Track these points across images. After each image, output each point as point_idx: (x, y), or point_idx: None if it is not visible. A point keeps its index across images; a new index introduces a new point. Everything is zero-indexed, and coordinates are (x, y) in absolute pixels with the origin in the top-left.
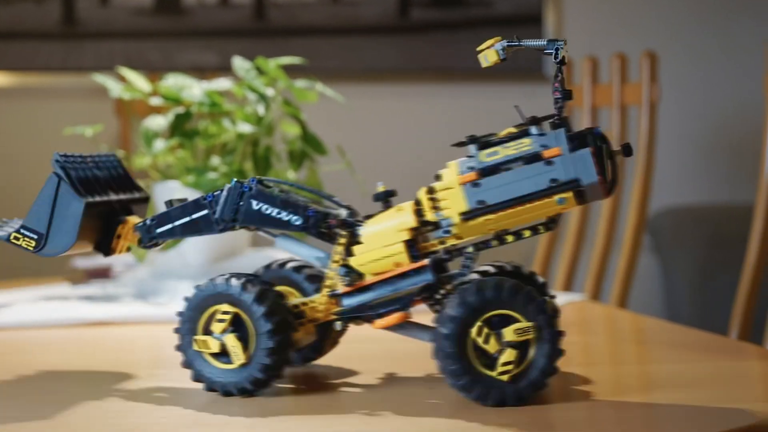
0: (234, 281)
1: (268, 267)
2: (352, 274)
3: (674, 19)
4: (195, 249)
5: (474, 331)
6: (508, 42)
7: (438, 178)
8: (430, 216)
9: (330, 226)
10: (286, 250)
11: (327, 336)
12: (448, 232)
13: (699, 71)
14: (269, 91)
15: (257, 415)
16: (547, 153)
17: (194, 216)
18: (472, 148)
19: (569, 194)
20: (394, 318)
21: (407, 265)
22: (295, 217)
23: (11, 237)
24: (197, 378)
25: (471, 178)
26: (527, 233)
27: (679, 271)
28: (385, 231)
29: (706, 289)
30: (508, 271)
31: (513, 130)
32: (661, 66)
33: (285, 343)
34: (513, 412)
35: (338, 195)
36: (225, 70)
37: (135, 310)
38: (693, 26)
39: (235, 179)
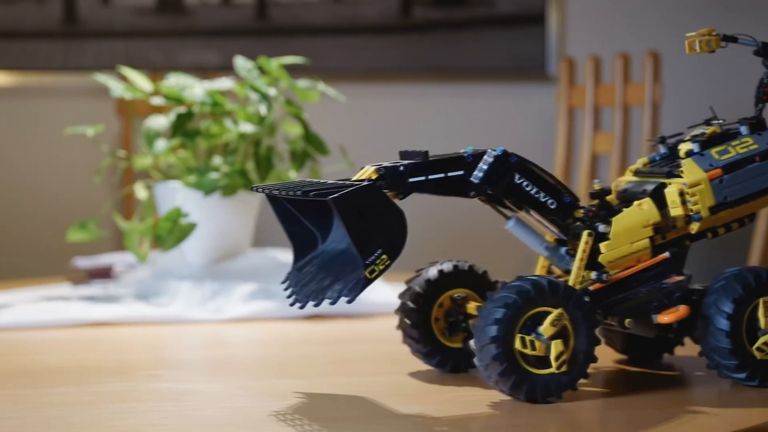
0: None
1: (429, 267)
2: (603, 271)
3: (677, 19)
4: (195, 249)
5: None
6: (723, 36)
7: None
8: (679, 211)
9: (584, 218)
10: (515, 234)
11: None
12: (697, 221)
13: (702, 71)
14: (271, 91)
15: (253, 416)
16: None
17: (450, 174)
18: (661, 148)
19: None
20: (674, 315)
21: (646, 261)
22: (551, 200)
23: (376, 262)
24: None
25: (716, 174)
26: (735, 225)
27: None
28: (633, 227)
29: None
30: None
31: (715, 129)
32: (663, 66)
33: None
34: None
35: None
36: (227, 69)
37: (136, 311)
38: (696, 26)
39: (503, 148)
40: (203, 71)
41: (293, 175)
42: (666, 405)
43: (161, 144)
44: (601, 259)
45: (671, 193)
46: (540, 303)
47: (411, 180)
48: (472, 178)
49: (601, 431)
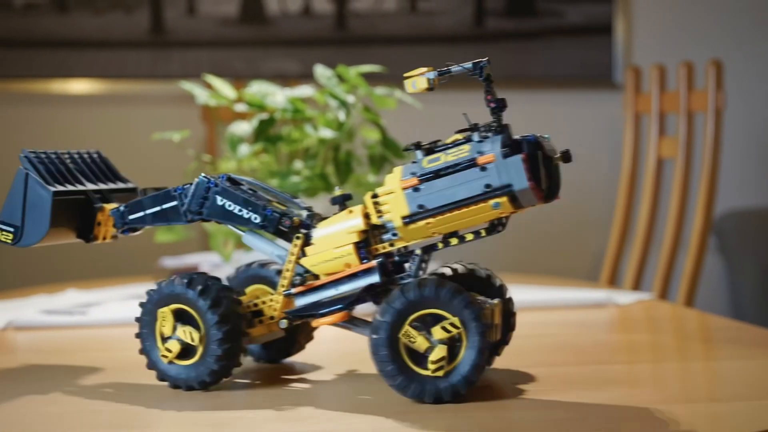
0: (185, 282)
1: (249, 266)
2: (305, 274)
3: (739, 28)
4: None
5: (402, 332)
6: (438, 71)
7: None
8: (375, 219)
9: (286, 226)
10: (251, 246)
11: (300, 331)
12: (395, 234)
13: (763, 78)
14: (350, 98)
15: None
16: (481, 159)
17: (164, 206)
18: (418, 154)
19: (503, 199)
20: (334, 317)
21: (356, 267)
22: (254, 215)
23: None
24: (161, 377)
25: (412, 184)
26: (470, 236)
27: (744, 271)
28: (336, 233)
29: None
30: (460, 273)
31: (458, 137)
32: (726, 74)
33: (235, 338)
34: (579, 411)
35: None
36: (307, 77)
37: None
38: (757, 35)
39: (203, 174)
40: (285, 79)
41: (372, 179)
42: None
43: (244, 149)
44: (303, 262)
45: (367, 200)
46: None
47: (130, 217)
48: (183, 207)
49: None
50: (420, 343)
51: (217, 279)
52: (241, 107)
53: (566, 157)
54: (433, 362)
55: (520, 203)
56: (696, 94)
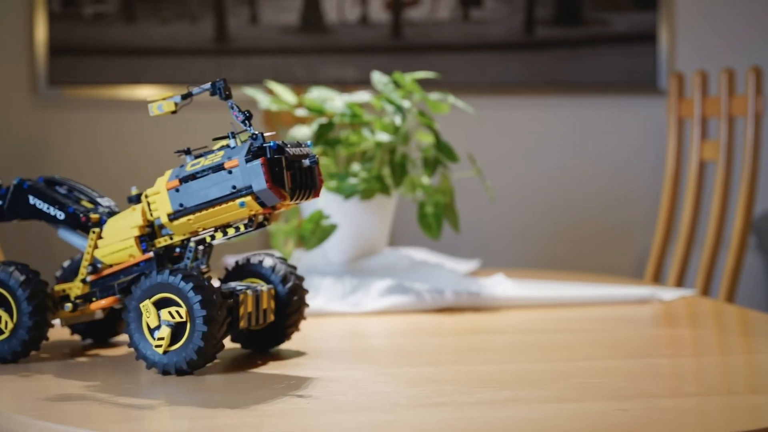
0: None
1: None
2: (97, 264)
3: None
4: (336, 248)
5: (143, 305)
6: (181, 96)
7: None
8: (148, 216)
9: (84, 222)
10: (64, 239)
11: (117, 317)
12: (159, 225)
13: None
14: (405, 103)
15: (390, 401)
16: (227, 164)
17: None
18: (186, 158)
19: (248, 198)
20: (105, 301)
21: (138, 257)
22: (59, 213)
23: None
24: None
25: (173, 185)
26: (231, 231)
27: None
28: (120, 227)
29: None
30: (240, 264)
31: (224, 143)
32: (765, 80)
33: (41, 318)
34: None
35: (469, 199)
36: (364, 83)
37: None
38: None
39: (20, 177)
40: (343, 85)
41: (426, 181)
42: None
43: None
44: (96, 253)
45: (143, 199)
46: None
47: None
48: (3, 206)
49: None
50: (152, 320)
51: (34, 270)
52: (301, 112)
53: (311, 160)
54: (156, 339)
55: (263, 202)
56: (737, 99)
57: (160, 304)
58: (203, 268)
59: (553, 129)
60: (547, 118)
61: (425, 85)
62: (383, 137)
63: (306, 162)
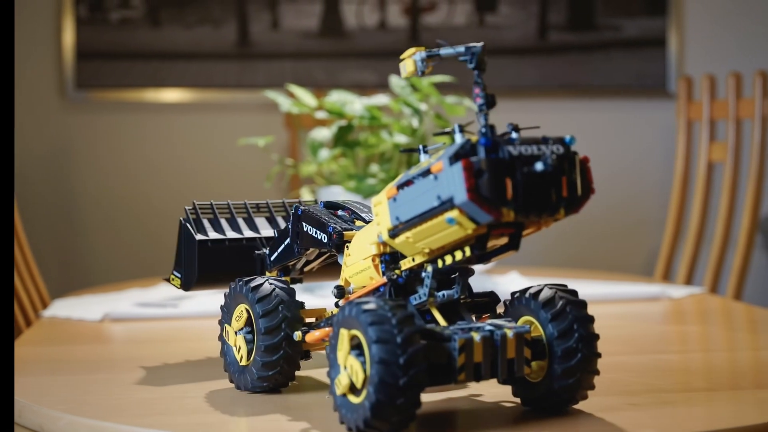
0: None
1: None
2: (341, 288)
3: None
4: None
5: (340, 337)
6: (427, 52)
7: None
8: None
9: (335, 240)
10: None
11: None
12: (382, 243)
13: None
14: (422, 106)
15: None
16: (434, 167)
17: (283, 246)
18: (421, 157)
19: (456, 213)
20: (320, 333)
21: (377, 282)
22: (323, 235)
23: (170, 278)
24: None
25: (392, 194)
26: (458, 255)
27: None
28: (363, 243)
29: None
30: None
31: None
32: None
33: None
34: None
35: None
36: (383, 87)
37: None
38: None
39: (297, 205)
40: (362, 88)
41: None
42: None
43: (324, 153)
44: (344, 273)
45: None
46: None
47: (272, 258)
48: (292, 243)
49: None
50: (342, 356)
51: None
52: (321, 114)
53: (546, 165)
54: (338, 386)
55: (476, 220)
56: (744, 102)
57: (357, 347)
58: (461, 298)
59: (566, 131)
60: (560, 121)
61: (442, 88)
62: (401, 139)
63: (538, 166)
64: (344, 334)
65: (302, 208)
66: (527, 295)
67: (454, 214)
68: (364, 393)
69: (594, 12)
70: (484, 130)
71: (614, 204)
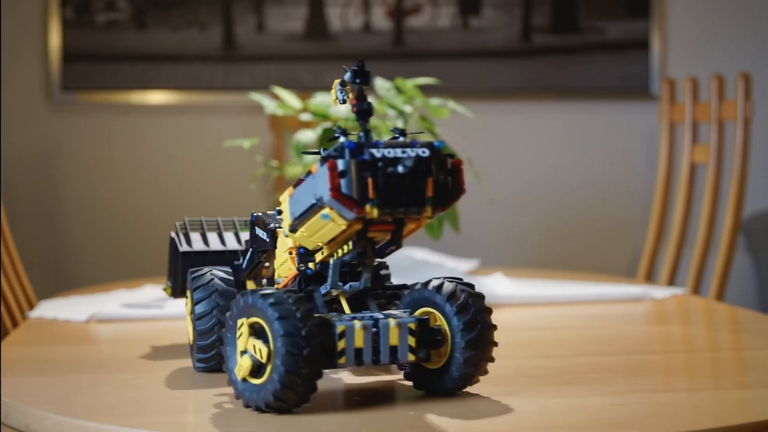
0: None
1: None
2: (270, 279)
3: (766, 43)
4: None
5: (238, 326)
6: (339, 81)
7: None
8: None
9: (271, 237)
10: None
11: None
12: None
13: None
14: (407, 108)
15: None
16: (312, 168)
17: (249, 252)
18: None
19: (328, 210)
20: None
21: (291, 274)
22: (266, 235)
23: (165, 287)
24: None
25: (291, 191)
26: (344, 250)
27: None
28: (282, 238)
29: None
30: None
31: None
32: (754, 86)
33: None
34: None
35: (468, 201)
36: (368, 89)
37: None
38: None
39: (253, 212)
40: None
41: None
42: None
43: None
44: (275, 264)
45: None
46: None
47: (243, 267)
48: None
49: None
50: (241, 342)
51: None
52: (306, 116)
53: (406, 168)
54: (238, 370)
55: (344, 216)
56: (726, 104)
57: (257, 331)
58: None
59: (550, 133)
60: (543, 123)
61: (426, 90)
62: None
63: (399, 168)
64: (244, 323)
65: (256, 214)
66: (430, 287)
67: (327, 211)
68: (268, 369)
69: (577, 15)
70: (360, 134)
71: (598, 205)
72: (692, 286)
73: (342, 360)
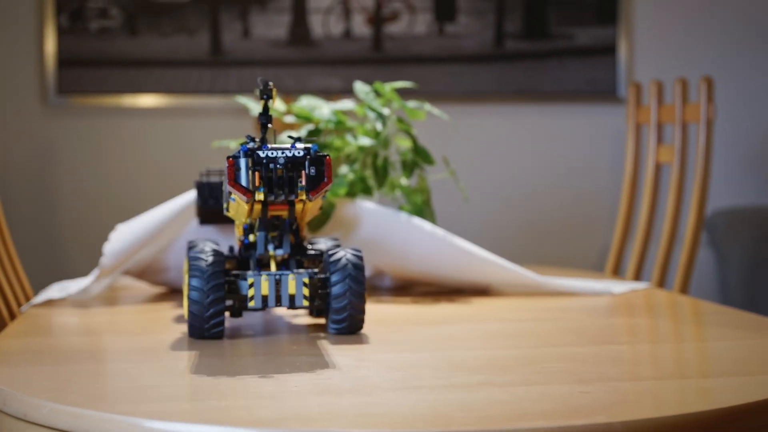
0: None
1: None
2: (231, 248)
3: (728, 49)
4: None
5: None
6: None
7: None
8: None
9: None
10: None
11: None
12: None
13: (749, 93)
14: (385, 111)
15: (373, 384)
16: (229, 161)
17: None
18: None
19: (234, 194)
20: None
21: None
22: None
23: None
24: None
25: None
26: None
27: (732, 263)
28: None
29: (754, 278)
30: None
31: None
32: (716, 89)
33: None
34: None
35: (444, 199)
36: (348, 92)
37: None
38: (743, 55)
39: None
40: (328, 94)
41: (404, 182)
42: None
43: None
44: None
45: None
46: None
47: None
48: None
49: None
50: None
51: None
52: (290, 119)
53: (279, 164)
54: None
55: (243, 199)
56: (690, 106)
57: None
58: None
59: (522, 134)
60: (516, 125)
61: (404, 94)
62: (365, 142)
63: (277, 165)
64: (185, 269)
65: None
66: (329, 253)
67: (233, 195)
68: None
69: (548, 21)
70: (257, 139)
71: (567, 203)
72: (657, 280)
73: (251, 303)
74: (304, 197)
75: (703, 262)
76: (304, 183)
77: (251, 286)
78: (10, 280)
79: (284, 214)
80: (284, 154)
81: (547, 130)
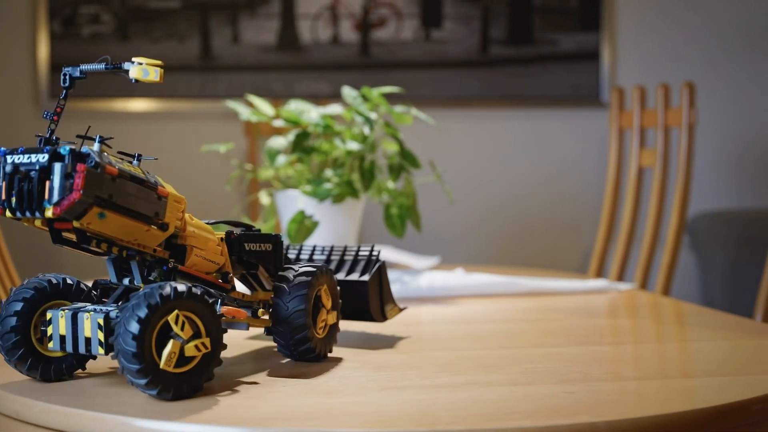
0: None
1: None
2: None
3: (709, 55)
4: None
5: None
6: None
7: None
8: None
9: None
10: None
11: None
12: None
13: (730, 98)
14: (373, 115)
15: (358, 383)
16: None
17: None
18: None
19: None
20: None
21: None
22: None
23: None
24: None
25: None
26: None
27: (714, 265)
28: None
29: (735, 280)
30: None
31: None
32: (698, 94)
33: None
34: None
35: (430, 201)
36: (336, 97)
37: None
38: (725, 61)
39: None
40: (316, 99)
41: (391, 185)
42: None
43: (281, 159)
44: None
45: None
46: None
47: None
48: None
49: None
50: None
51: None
52: (278, 123)
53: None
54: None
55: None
56: (672, 111)
57: None
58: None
59: (507, 138)
60: (501, 129)
61: (391, 98)
62: (353, 146)
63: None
64: None
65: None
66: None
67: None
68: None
69: (532, 27)
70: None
71: (551, 206)
72: (640, 282)
73: (50, 344)
74: (50, 213)
75: (685, 264)
76: (47, 196)
77: (50, 323)
78: (3, 283)
79: (71, 235)
80: (29, 160)
81: (531, 134)
